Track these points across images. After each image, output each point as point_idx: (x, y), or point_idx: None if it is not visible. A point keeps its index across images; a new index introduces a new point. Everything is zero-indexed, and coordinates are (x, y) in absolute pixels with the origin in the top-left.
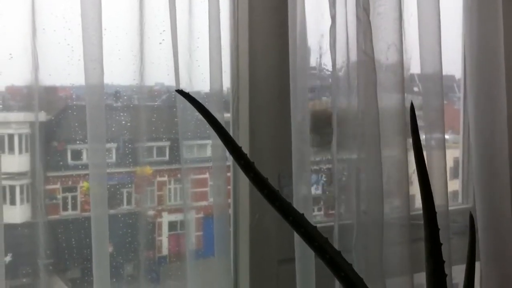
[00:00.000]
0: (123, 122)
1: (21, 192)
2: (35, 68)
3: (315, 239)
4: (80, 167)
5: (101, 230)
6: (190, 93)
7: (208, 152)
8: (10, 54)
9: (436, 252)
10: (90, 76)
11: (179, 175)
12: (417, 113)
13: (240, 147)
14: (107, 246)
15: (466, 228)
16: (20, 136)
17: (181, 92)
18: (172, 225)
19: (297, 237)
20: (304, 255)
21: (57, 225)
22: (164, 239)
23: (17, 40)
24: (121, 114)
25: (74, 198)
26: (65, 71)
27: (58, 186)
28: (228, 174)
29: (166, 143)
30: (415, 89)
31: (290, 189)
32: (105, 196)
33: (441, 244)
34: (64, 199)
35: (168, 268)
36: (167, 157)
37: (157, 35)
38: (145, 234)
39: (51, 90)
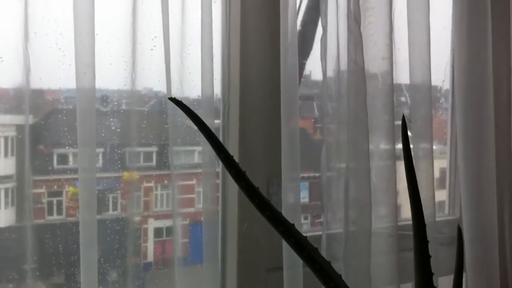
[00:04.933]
0: (113, 128)
1: (6, 196)
2: (27, 71)
3: (305, 249)
4: (68, 172)
5: (90, 236)
6: (182, 100)
7: (198, 159)
8: (1, 57)
9: (425, 265)
10: (81, 80)
11: (166, 181)
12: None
13: (232, 156)
14: (95, 252)
15: (452, 239)
16: (6, 139)
17: (174, 100)
18: (160, 232)
19: (285, 246)
20: (292, 264)
21: (42, 230)
22: (151, 246)
23: (9, 43)
24: (111, 119)
25: (60, 203)
26: (56, 75)
27: (44, 190)
28: (217, 181)
29: (156, 149)
30: (403, 99)
31: (279, 197)
32: (94, 201)
33: (430, 256)
34: (50, 204)
35: (155, 275)
36: (155, 163)
37: (149, 41)
38: (132, 241)
39: (41, 94)
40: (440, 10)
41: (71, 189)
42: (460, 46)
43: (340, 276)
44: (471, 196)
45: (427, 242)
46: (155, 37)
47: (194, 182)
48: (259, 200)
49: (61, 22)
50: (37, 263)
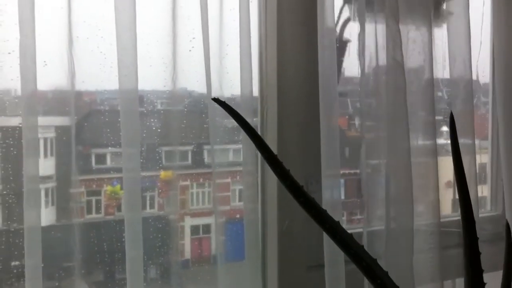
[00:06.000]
0: (154, 128)
1: (46, 196)
2: (71, 75)
3: (351, 246)
4: (111, 171)
5: (134, 234)
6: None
7: (235, 157)
8: (45, 61)
9: (475, 262)
10: (123, 82)
11: (203, 179)
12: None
13: (276, 155)
14: (141, 250)
15: (496, 236)
16: (47, 139)
17: (217, 100)
18: (201, 229)
19: (326, 243)
20: (333, 261)
21: (82, 228)
22: (192, 243)
23: (53, 48)
24: (152, 120)
25: (98, 202)
26: (98, 77)
27: (83, 189)
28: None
29: (195, 148)
30: (439, 94)
31: (318, 195)
32: (138, 200)
33: (480, 253)
34: (89, 203)
35: (196, 272)
36: (193, 162)
37: (187, 42)
38: (173, 238)
39: (83, 96)
40: (480, 2)
41: (109, 188)
42: (500, 39)
43: (386, 273)
44: None
45: (477, 238)
46: (193, 38)
47: (230, 180)
48: (304, 198)
49: (101, 26)
50: (78, 261)
